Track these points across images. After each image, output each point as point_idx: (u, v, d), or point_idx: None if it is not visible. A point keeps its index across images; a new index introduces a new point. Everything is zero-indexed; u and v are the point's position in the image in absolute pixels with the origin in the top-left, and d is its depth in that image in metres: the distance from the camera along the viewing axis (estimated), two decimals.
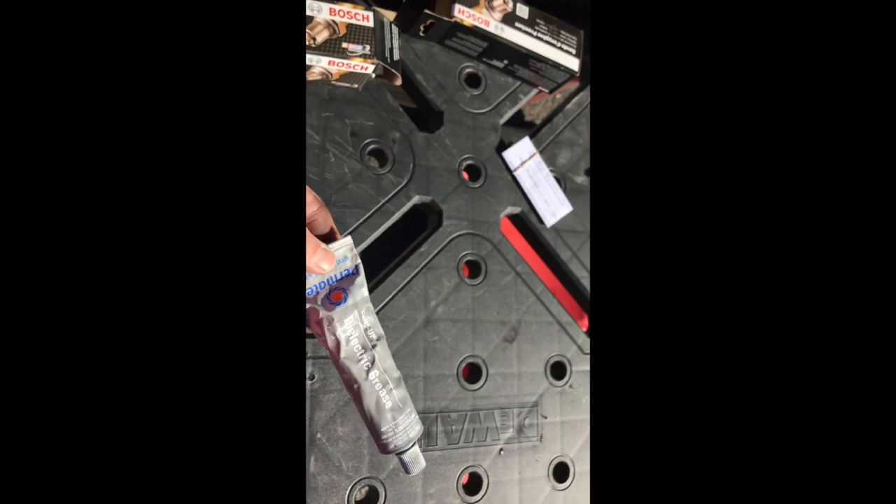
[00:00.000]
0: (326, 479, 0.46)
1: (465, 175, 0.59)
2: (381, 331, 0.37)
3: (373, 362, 0.35)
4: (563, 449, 0.57)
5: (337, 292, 0.36)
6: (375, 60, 0.48)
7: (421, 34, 0.56)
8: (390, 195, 0.53)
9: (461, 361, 0.54)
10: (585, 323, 0.64)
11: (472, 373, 0.55)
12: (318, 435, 0.46)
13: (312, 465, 0.45)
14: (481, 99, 0.60)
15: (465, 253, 0.56)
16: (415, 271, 0.53)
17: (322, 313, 0.35)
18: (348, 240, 0.37)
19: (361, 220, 0.51)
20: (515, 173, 0.60)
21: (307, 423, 0.46)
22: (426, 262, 0.54)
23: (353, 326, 0.35)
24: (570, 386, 0.59)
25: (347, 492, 0.46)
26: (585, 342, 0.61)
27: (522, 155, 0.60)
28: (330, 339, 0.35)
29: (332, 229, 0.37)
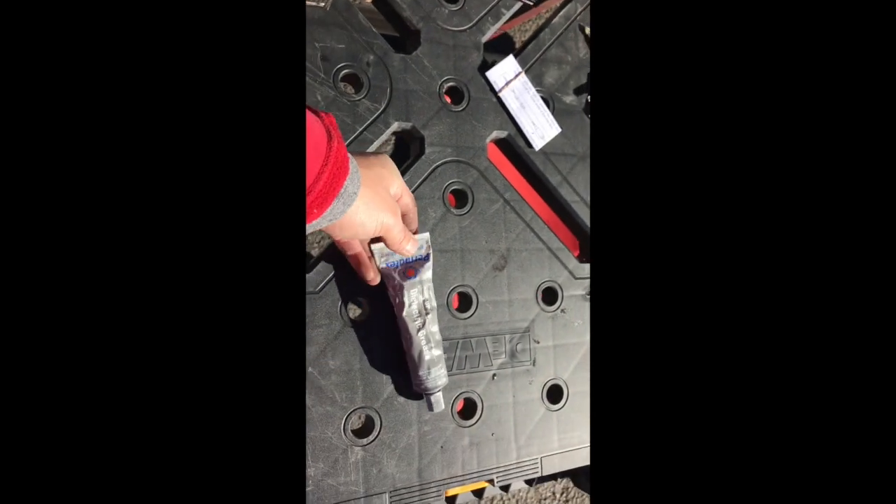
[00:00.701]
0: (321, 411, 0.46)
1: (447, 98, 0.56)
2: (435, 304, 0.49)
3: (423, 325, 0.48)
4: (556, 372, 0.58)
5: (410, 269, 0.47)
6: None
7: None
8: (367, 122, 0.50)
9: (451, 291, 0.53)
10: (577, 249, 0.63)
11: (463, 302, 0.55)
12: (310, 369, 0.46)
13: (306, 399, 0.46)
14: (461, 15, 0.56)
15: (450, 181, 0.54)
16: None
17: (398, 281, 0.47)
18: (427, 235, 0.49)
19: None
20: (500, 94, 0.57)
21: None
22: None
23: (416, 296, 0.47)
24: (563, 311, 0.59)
25: (343, 421, 0.47)
26: (577, 267, 0.60)
27: (507, 74, 0.57)
28: (397, 301, 0.47)
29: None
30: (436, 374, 0.48)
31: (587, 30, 0.63)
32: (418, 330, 0.47)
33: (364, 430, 0.49)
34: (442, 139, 0.54)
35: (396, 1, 0.53)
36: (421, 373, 0.47)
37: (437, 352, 0.48)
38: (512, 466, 0.55)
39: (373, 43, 0.51)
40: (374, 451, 0.48)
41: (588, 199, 0.62)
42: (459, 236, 0.54)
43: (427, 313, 0.48)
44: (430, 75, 0.54)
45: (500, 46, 0.60)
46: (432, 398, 0.48)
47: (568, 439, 0.58)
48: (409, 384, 0.49)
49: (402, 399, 0.50)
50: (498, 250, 0.56)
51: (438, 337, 0.49)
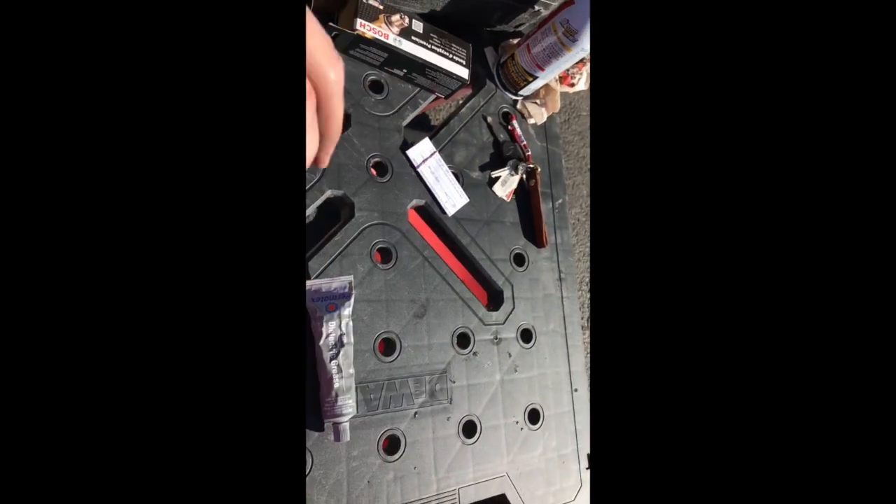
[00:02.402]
0: None
1: (374, 171, 0.65)
2: (352, 339, 0.56)
3: (337, 355, 0.54)
4: (470, 409, 0.65)
5: (332, 305, 0.56)
6: None
7: None
8: (306, 188, 0.58)
9: (377, 337, 0.60)
10: (485, 299, 0.73)
11: (388, 346, 0.62)
12: None
13: None
14: (385, 103, 0.67)
15: (376, 241, 0.63)
16: (331, 259, 0.59)
17: (319, 313, 0.55)
18: (350, 277, 0.58)
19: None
20: (418, 169, 0.67)
21: None
22: (341, 250, 0.60)
23: (334, 329, 0.55)
24: (475, 354, 0.67)
25: None
26: (485, 314, 0.70)
27: (424, 153, 0.68)
28: (317, 330, 0.54)
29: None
30: (343, 402, 0.53)
31: (489, 119, 0.77)
32: (331, 359, 0.54)
33: None
34: (370, 205, 0.63)
35: None
36: (329, 398, 0.53)
37: (348, 383, 0.54)
38: (432, 498, 0.60)
39: None
40: (306, 489, 0.52)
41: (492, 256, 0.73)
42: (385, 288, 0.62)
43: (342, 345, 0.55)
44: (358, 151, 0.64)
45: (418, 122, 0.71)
46: (340, 427, 0.53)
47: (482, 471, 0.64)
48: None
49: (331, 438, 0.55)
50: (418, 300, 0.64)
51: (351, 371, 0.55)
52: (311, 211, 0.59)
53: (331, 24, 0.59)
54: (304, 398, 0.54)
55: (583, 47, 0.67)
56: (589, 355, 1.45)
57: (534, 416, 0.71)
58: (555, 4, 0.73)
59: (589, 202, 1.73)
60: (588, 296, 1.61)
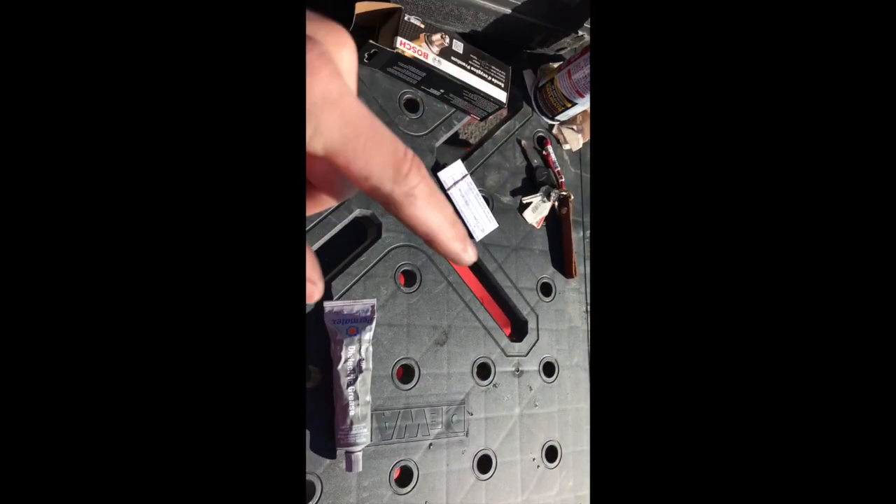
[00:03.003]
0: None
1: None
2: (371, 365, 0.54)
3: (354, 381, 0.52)
4: (486, 443, 0.63)
5: (353, 328, 0.54)
6: None
7: (365, 61, 0.61)
8: (333, 208, 0.57)
9: (396, 363, 0.58)
10: (508, 329, 0.71)
11: (406, 373, 0.60)
12: None
13: None
14: (419, 123, 0.66)
15: (401, 263, 0.61)
16: (354, 279, 0.57)
17: (339, 336, 0.53)
18: (373, 300, 0.56)
19: (305, 230, 0.55)
20: (448, 192, 0.66)
21: None
22: (365, 270, 0.58)
23: (353, 353, 0.53)
24: (495, 385, 0.65)
25: None
26: (508, 345, 0.67)
27: (455, 175, 0.67)
28: (335, 353, 0.53)
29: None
30: (357, 431, 0.51)
31: (523, 142, 0.75)
32: (348, 385, 0.52)
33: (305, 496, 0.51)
34: (397, 226, 0.61)
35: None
36: (343, 426, 0.51)
37: (364, 411, 0.52)
38: None
39: None
40: None
41: (518, 284, 0.70)
42: (407, 312, 0.60)
43: (360, 371, 0.53)
44: None
45: (451, 142, 0.70)
46: (353, 457, 0.51)
47: None
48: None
49: (342, 466, 0.53)
50: (440, 326, 0.62)
51: (368, 398, 0.53)
52: (338, 230, 0.58)
53: (370, 41, 0.58)
54: (304, 421, 0.52)
55: None
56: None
57: (551, 454, 0.68)
58: None
59: None
60: None
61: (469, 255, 0.22)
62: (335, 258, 0.59)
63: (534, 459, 0.66)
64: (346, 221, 0.58)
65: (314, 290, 0.23)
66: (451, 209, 0.21)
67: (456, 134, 0.74)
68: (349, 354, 0.53)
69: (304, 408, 0.49)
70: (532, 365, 0.69)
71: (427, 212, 0.19)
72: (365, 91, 0.62)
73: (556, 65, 0.76)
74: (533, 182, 0.75)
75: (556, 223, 0.76)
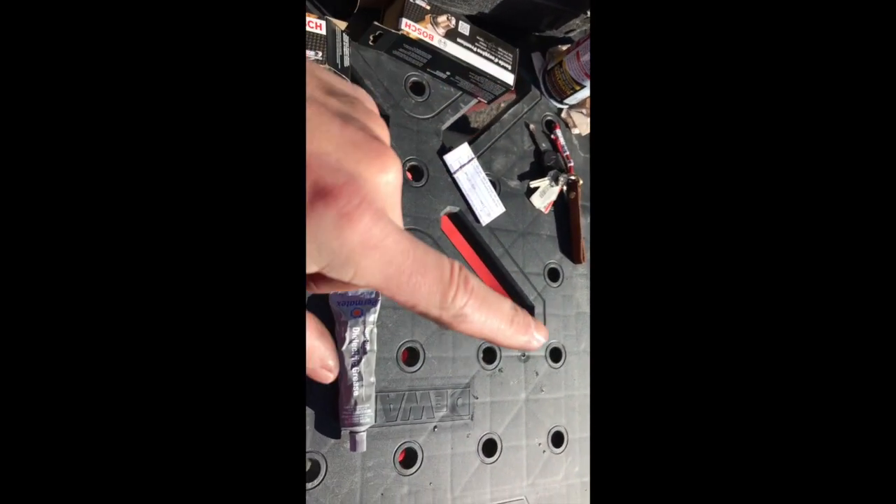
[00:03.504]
0: None
1: (409, 175, 0.63)
2: (375, 347, 0.54)
3: (359, 362, 0.53)
4: (491, 426, 0.63)
5: (357, 310, 0.54)
6: (327, 66, 0.52)
7: (370, 43, 0.60)
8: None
9: (401, 346, 0.59)
10: None
11: (411, 356, 0.60)
12: None
13: None
14: (425, 105, 0.65)
15: None
16: None
17: (344, 317, 0.53)
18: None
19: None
20: (455, 175, 0.66)
21: None
22: None
23: (357, 335, 0.53)
24: (500, 370, 0.65)
25: None
26: None
27: (462, 159, 0.66)
28: (340, 334, 0.53)
29: None
30: (361, 412, 0.51)
31: (531, 126, 0.74)
32: (353, 366, 0.52)
33: (309, 475, 0.51)
34: (403, 210, 0.61)
35: (371, 89, 0.62)
36: (347, 406, 0.52)
37: (368, 392, 0.52)
38: None
39: None
40: (318, 496, 0.51)
41: (525, 269, 0.70)
42: None
43: (364, 353, 0.53)
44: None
45: (457, 124, 0.70)
46: (357, 437, 0.51)
47: (499, 492, 0.62)
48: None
49: (347, 446, 0.53)
50: None
51: (372, 379, 0.53)
52: None
53: (375, 23, 0.57)
54: (304, 408, 0.53)
55: None
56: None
57: (557, 439, 0.68)
58: None
59: None
60: None
61: (537, 341, 0.23)
62: None
63: (539, 444, 0.66)
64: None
65: (329, 376, 0.23)
66: (507, 304, 0.21)
67: (464, 118, 0.74)
68: (353, 336, 0.53)
69: (303, 395, 0.49)
70: (539, 350, 0.69)
71: (480, 324, 0.20)
72: (370, 74, 0.62)
73: (564, 47, 0.75)
74: (541, 166, 0.74)
75: (565, 208, 0.75)
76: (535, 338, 0.23)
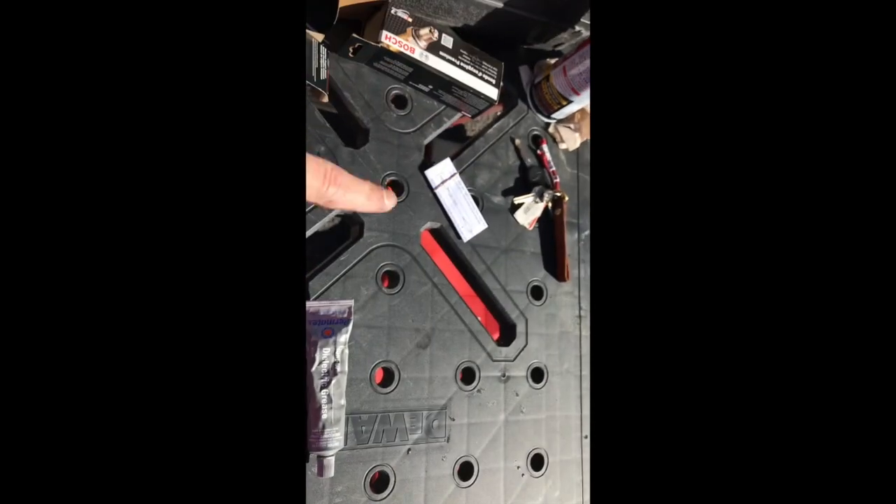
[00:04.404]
0: None
1: (389, 189, 0.62)
2: (346, 368, 0.53)
3: (328, 384, 0.51)
4: (468, 449, 0.61)
5: (328, 330, 0.53)
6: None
7: (350, 55, 0.59)
8: (312, 205, 0.56)
9: (375, 366, 0.57)
10: (496, 333, 0.69)
11: (386, 377, 0.58)
12: None
13: None
14: (407, 119, 0.64)
15: (384, 263, 0.60)
16: (333, 279, 0.56)
17: (314, 337, 0.52)
18: (351, 302, 0.55)
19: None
20: (436, 191, 0.64)
21: None
22: (345, 270, 0.57)
23: (328, 356, 0.52)
24: (479, 390, 0.63)
25: None
26: (494, 349, 0.66)
27: (443, 174, 0.65)
28: (310, 355, 0.52)
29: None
30: (330, 435, 0.50)
31: (517, 141, 0.73)
32: (322, 388, 0.51)
33: None
34: (381, 225, 0.60)
35: (350, 102, 0.60)
36: (315, 430, 0.50)
37: (337, 415, 0.51)
38: None
39: (325, 136, 0.58)
40: None
41: (508, 287, 0.68)
42: (388, 314, 0.59)
43: (335, 374, 0.51)
44: (374, 168, 0.61)
45: (448, 137, 0.69)
46: (324, 461, 0.50)
47: None
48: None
49: (314, 470, 0.52)
50: (423, 329, 0.61)
51: (342, 402, 0.52)
52: (318, 227, 0.56)
53: (354, 35, 0.56)
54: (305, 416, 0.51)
55: None
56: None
57: (537, 462, 0.66)
58: None
59: None
60: None
61: (387, 205, 0.44)
62: (314, 258, 0.57)
63: (518, 467, 0.64)
64: (326, 219, 0.57)
65: (388, 200, 0.46)
66: (367, 185, 0.42)
67: (451, 130, 0.72)
68: (323, 357, 0.52)
69: (303, 394, 0.49)
70: (520, 370, 0.67)
71: (346, 202, 0.39)
72: (350, 86, 0.60)
73: (552, 61, 0.74)
74: (526, 182, 0.72)
75: (549, 225, 0.73)
76: (385, 203, 0.44)
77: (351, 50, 0.58)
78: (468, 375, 0.63)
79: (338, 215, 0.59)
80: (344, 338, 0.53)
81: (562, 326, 0.72)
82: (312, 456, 0.51)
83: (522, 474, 0.65)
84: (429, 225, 0.64)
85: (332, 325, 0.53)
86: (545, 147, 0.74)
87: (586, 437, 0.71)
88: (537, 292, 0.71)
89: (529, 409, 0.67)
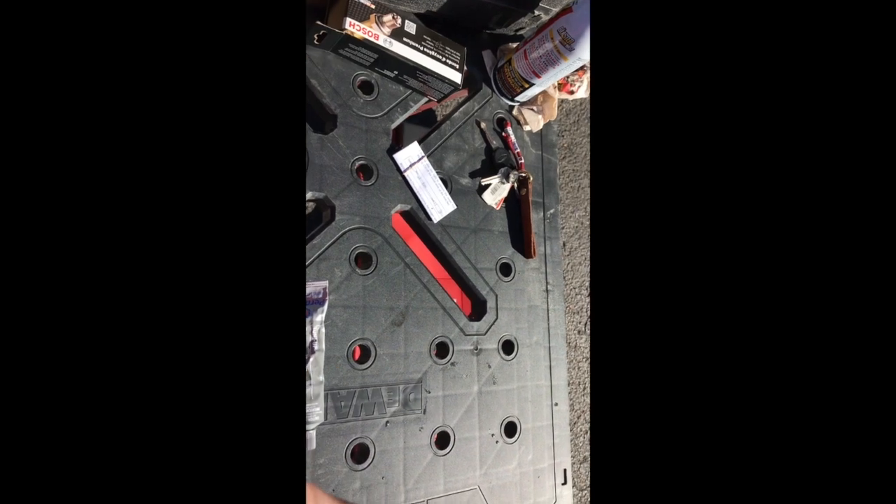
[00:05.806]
0: None
1: (359, 174, 0.64)
2: (324, 346, 0.55)
3: (306, 362, 0.52)
4: (444, 420, 0.64)
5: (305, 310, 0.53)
6: None
7: (315, 43, 0.60)
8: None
9: (351, 344, 0.59)
10: (467, 308, 0.72)
11: (363, 354, 0.61)
12: None
13: None
14: (374, 105, 0.66)
15: (356, 245, 0.62)
16: (307, 262, 0.58)
17: None
18: (325, 282, 0.56)
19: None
20: (405, 174, 0.66)
21: None
22: (319, 253, 0.59)
23: (305, 335, 0.53)
24: (453, 364, 0.66)
25: None
26: (467, 324, 0.69)
27: (412, 157, 0.67)
28: None
29: None
30: (310, 410, 0.53)
31: (483, 124, 0.75)
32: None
33: None
34: (352, 209, 0.62)
35: (318, 89, 0.62)
36: None
37: (316, 391, 0.54)
38: None
39: None
40: None
41: (478, 265, 0.71)
42: (362, 294, 0.61)
43: (313, 353, 0.54)
44: (343, 153, 0.62)
45: (419, 121, 0.71)
46: (306, 436, 0.52)
47: (453, 483, 0.64)
48: None
49: None
50: (397, 307, 0.63)
51: (321, 378, 0.54)
52: None
53: (318, 22, 0.57)
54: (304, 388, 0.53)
55: (580, 57, 0.65)
56: (579, 366, 1.44)
57: (510, 430, 0.70)
58: (554, 11, 0.71)
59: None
60: (588, 300, 1.59)
61: None
62: None
63: (492, 435, 0.68)
64: None
65: None
66: None
67: (419, 114, 0.74)
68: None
69: (304, 394, 0.50)
70: (491, 343, 0.70)
71: None
72: (316, 73, 0.62)
73: (514, 45, 0.76)
74: (492, 164, 0.75)
75: (516, 204, 0.76)
76: None
77: (316, 38, 0.60)
78: (442, 350, 0.66)
79: (309, 200, 0.60)
80: (320, 317, 0.55)
81: (530, 301, 0.75)
82: None
83: (497, 441, 0.68)
84: (399, 207, 0.66)
85: (309, 306, 0.55)
86: (510, 129, 0.76)
87: (556, 404, 0.75)
88: (506, 269, 0.74)
89: (502, 380, 0.70)
